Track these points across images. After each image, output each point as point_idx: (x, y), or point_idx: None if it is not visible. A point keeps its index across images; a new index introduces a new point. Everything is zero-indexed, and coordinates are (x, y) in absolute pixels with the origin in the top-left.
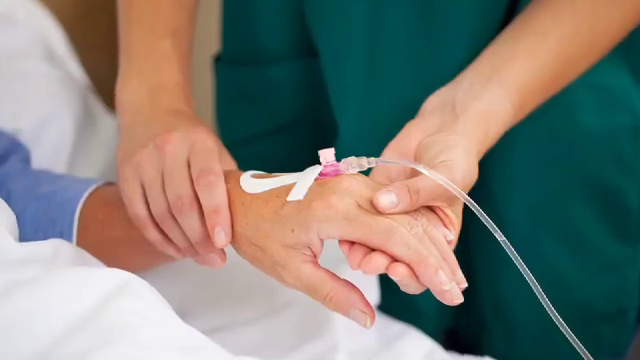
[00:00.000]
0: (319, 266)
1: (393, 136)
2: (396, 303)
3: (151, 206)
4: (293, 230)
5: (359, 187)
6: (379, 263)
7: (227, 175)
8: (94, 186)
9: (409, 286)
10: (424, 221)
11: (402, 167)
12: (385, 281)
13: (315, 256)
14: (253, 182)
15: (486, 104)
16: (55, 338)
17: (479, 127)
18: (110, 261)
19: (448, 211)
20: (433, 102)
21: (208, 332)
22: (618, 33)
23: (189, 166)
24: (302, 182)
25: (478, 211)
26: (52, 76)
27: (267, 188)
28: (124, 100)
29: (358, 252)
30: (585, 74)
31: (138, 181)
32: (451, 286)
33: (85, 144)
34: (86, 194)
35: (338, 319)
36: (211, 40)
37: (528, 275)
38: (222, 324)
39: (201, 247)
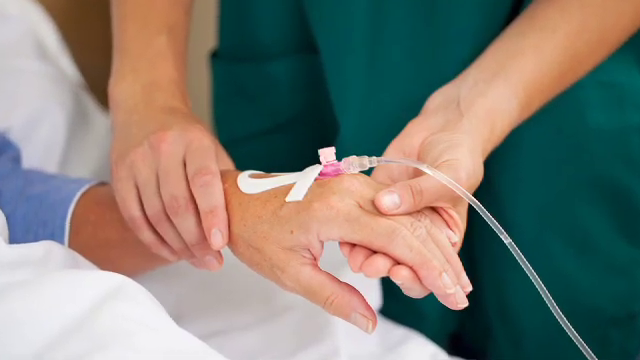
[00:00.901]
0: (319, 269)
1: (395, 134)
2: (398, 307)
3: (145, 207)
4: (292, 232)
5: (360, 187)
6: (381, 266)
7: (224, 175)
8: (87, 186)
9: (412, 289)
10: (427, 222)
11: (405, 167)
12: (387, 284)
13: (315, 259)
14: (251, 182)
15: (491, 102)
16: (48, 342)
17: (484, 125)
18: (103, 264)
19: (452, 212)
20: (436, 99)
21: (204, 337)
22: (628, 28)
23: (185, 165)
24: (301, 182)
25: (483, 212)
26: (44, 73)
27: (265, 188)
28: (118, 98)
29: (359, 254)
30: (594, 71)
31: (132, 181)
32: (455, 290)
33: (78, 143)
34: (78, 195)
35: (339, 323)
36: (207, 36)
37: (535, 278)
38: (219, 329)
39: (197, 249)
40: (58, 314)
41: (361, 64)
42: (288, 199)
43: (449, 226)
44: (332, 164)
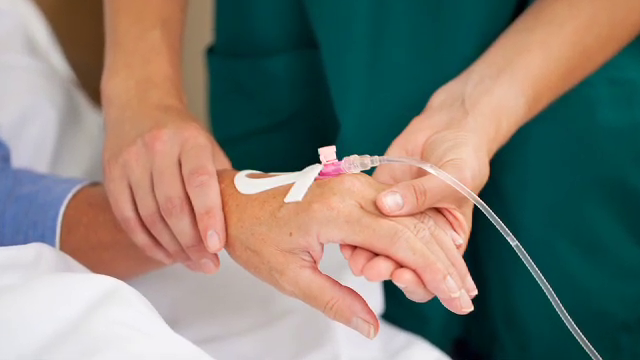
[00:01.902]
0: (319, 272)
1: (397, 133)
2: (401, 311)
3: (139, 208)
4: (291, 233)
5: (362, 187)
6: (383, 269)
7: (220, 175)
8: (78, 186)
9: (415, 293)
10: (431, 224)
11: (408, 166)
12: (390, 288)
13: (315, 261)
14: (248, 182)
15: (497, 99)
16: (41, 346)
17: (490, 123)
18: (95, 267)
19: (457, 213)
20: (440, 96)
21: (200, 342)
22: (638, 23)
23: (180, 165)
24: (301, 182)
25: (489, 213)
26: (34, 69)
27: (263, 189)
28: (110, 93)
29: (360, 257)
30: (604, 67)
31: (125, 181)
32: (460, 293)
33: (69, 141)
34: (70, 195)
35: (339, 329)
36: (204, 30)
37: (542, 281)
38: (215, 334)
39: (193, 252)
40: (51, 318)
41: (363, 60)
42: (287, 200)
43: (454, 228)
44: (332, 163)
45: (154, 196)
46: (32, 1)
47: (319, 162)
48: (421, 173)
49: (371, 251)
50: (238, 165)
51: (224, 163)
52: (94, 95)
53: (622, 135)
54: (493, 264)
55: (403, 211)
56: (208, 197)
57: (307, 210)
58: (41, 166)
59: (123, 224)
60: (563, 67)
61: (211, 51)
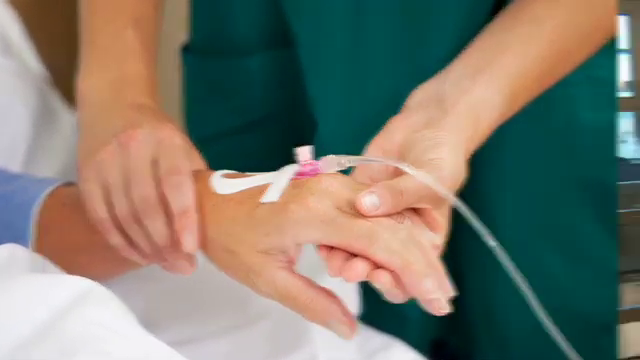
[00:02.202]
0: (295, 273)
1: (376, 133)
2: (379, 312)
3: (115, 209)
4: (267, 234)
5: (339, 188)
6: (360, 270)
7: (196, 175)
8: (53, 186)
9: (393, 294)
10: (408, 224)
11: (384, 166)
12: (367, 289)
13: (291, 262)
14: (224, 182)
15: (475, 98)
16: (11, 349)
17: (468, 123)
18: (70, 268)
19: (434, 214)
20: (418, 96)
21: (176, 344)
22: (614, 24)
23: (155, 165)
24: (277, 182)
25: (467, 213)
26: (5, 67)
27: (240, 188)
28: (85, 93)
29: (338, 258)
30: (583, 66)
31: (100, 182)
32: (438, 295)
33: (43, 142)
34: (43, 195)
35: (316, 330)
36: (179, 29)
37: (520, 282)
38: (191, 336)
39: (168, 252)
40: (27, 319)
41: (340, 58)
42: (263, 200)
43: (431, 228)
44: (309, 163)
45: (129, 197)
46: None
47: (296, 162)
48: (398, 173)
49: (348, 252)
50: (214, 165)
51: (199, 164)
52: (68, 94)
53: (602, 135)
54: (472, 265)
55: (380, 211)
56: (184, 197)
57: (284, 210)
58: (14, 167)
59: (98, 225)
60: (541, 66)
61: (186, 49)
